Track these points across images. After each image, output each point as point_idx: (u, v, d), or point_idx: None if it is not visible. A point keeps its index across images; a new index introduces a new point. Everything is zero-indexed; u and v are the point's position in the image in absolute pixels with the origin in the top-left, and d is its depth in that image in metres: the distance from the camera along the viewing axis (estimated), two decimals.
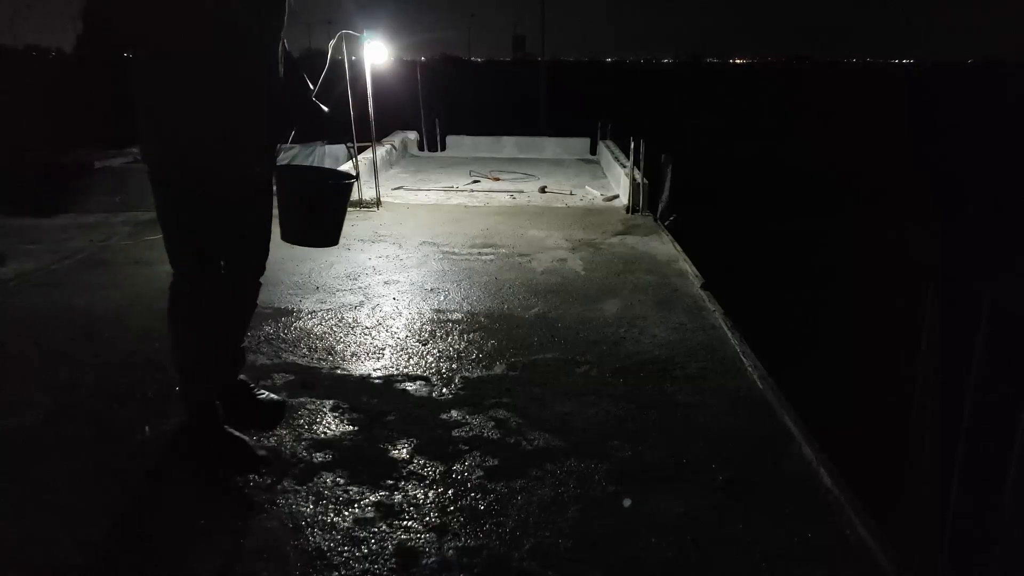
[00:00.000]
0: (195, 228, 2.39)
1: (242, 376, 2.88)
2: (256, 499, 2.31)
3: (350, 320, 3.93)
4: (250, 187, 2.50)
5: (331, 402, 2.97)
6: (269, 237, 2.68)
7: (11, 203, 6.44)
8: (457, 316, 4.01)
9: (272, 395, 2.94)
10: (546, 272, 4.90)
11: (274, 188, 2.63)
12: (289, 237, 2.70)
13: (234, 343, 2.79)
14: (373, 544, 2.12)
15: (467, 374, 3.27)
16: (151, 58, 2.23)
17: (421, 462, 2.55)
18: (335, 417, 2.85)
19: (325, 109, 2.75)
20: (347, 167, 7.48)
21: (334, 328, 3.80)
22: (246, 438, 2.59)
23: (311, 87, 2.74)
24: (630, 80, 72.31)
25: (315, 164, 9.10)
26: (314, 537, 2.14)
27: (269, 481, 2.41)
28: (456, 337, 3.70)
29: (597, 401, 3.03)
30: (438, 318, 3.97)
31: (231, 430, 2.57)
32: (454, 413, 2.90)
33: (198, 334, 2.50)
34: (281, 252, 5.26)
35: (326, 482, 2.42)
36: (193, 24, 2.18)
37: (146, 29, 2.19)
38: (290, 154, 9.11)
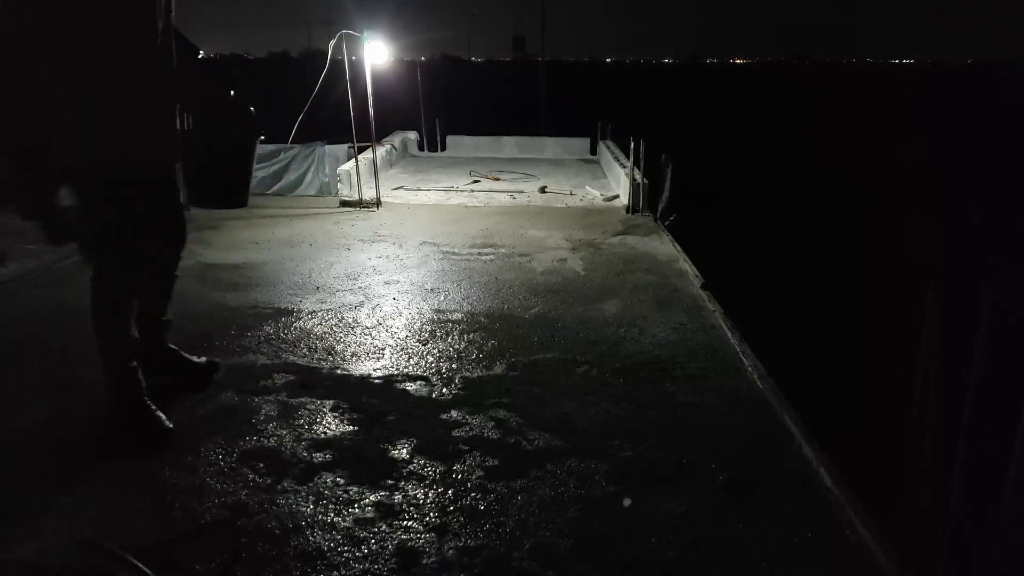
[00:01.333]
0: (124, 212, 2.50)
1: (172, 345, 3.05)
2: (256, 499, 2.31)
3: (350, 320, 3.93)
4: (158, 170, 2.68)
5: (331, 402, 2.97)
6: (183, 211, 2.93)
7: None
8: (457, 316, 4.01)
9: (204, 357, 3.15)
10: (546, 272, 4.90)
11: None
12: (205, 202, 2.89)
13: (163, 311, 2.96)
14: (373, 544, 2.12)
15: (467, 374, 3.27)
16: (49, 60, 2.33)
17: (421, 462, 2.55)
18: (335, 417, 2.86)
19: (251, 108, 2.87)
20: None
21: (334, 328, 3.80)
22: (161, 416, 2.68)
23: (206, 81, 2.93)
24: (630, 80, 72.30)
25: (315, 164, 9.11)
26: (314, 537, 2.14)
27: (269, 481, 2.41)
28: (456, 337, 3.70)
29: (597, 401, 3.03)
30: (438, 318, 3.97)
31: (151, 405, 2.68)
32: (454, 413, 2.90)
33: (129, 318, 2.63)
34: (281, 252, 5.27)
35: (326, 482, 2.42)
36: (70, 26, 2.29)
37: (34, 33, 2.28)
38: (290, 154, 9.13)
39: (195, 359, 3.11)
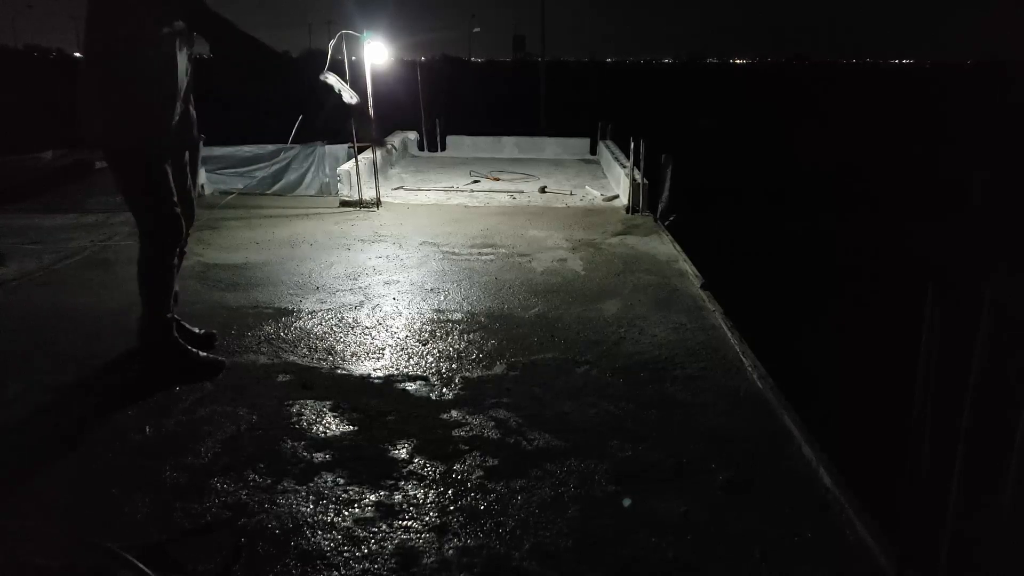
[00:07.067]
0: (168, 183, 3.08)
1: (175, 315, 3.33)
2: (256, 499, 2.32)
3: (350, 320, 3.93)
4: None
5: (331, 402, 2.97)
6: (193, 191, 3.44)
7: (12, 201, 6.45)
8: (457, 316, 4.01)
9: (202, 328, 3.56)
10: (546, 272, 4.90)
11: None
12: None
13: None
14: (373, 544, 2.12)
15: (467, 374, 3.27)
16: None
17: (421, 462, 2.55)
18: (335, 417, 2.86)
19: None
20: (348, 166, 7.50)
21: (334, 328, 3.80)
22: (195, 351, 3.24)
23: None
24: (630, 80, 72.32)
25: (315, 164, 9.11)
26: (314, 537, 2.14)
27: (269, 481, 2.42)
28: (456, 337, 3.70)
29: (597, 401, 3.03)
30: (438, 318, 3.97)
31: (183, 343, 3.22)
32: (454, 413, 2.90)
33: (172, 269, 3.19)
34: (281, 252, 5.27)
35: (326, 482, 2.42)
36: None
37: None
38: (290, 154, 9.14)
39: (195, 329, 3.47)
